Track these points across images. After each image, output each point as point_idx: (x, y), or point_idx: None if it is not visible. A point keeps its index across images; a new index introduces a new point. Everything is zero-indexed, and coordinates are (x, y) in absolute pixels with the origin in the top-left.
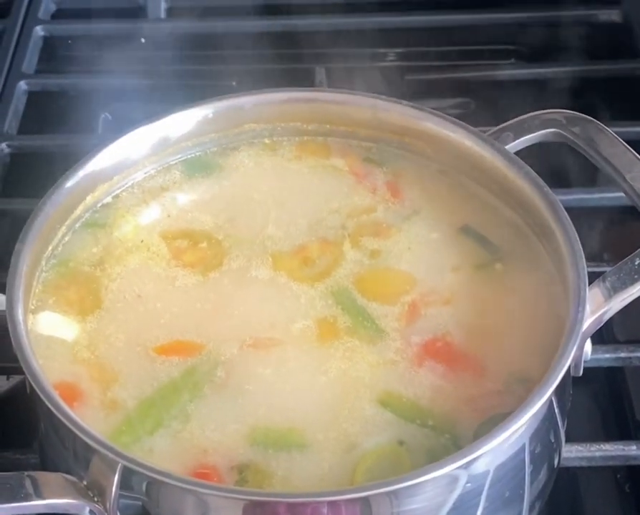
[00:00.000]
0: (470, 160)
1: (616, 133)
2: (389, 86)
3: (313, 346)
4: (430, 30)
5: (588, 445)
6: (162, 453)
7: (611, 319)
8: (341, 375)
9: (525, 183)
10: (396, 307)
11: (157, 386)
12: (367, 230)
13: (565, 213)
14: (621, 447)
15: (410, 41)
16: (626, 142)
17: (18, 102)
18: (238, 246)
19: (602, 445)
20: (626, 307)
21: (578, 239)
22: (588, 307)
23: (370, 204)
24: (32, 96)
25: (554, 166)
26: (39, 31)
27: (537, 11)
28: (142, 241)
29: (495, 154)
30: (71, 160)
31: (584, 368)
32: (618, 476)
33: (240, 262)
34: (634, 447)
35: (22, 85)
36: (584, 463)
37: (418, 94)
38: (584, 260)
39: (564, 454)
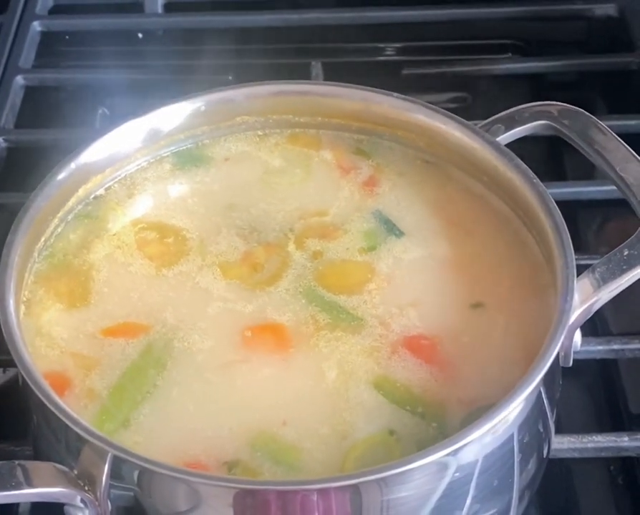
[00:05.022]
0: (461, 152)
1: (610, 127)
2: (385, 81)
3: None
4: (427, 24)
5: (580, 436)
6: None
7: (604, 312)
8: (331, 366)
9: (515, 175)
10: (363, 296)
11: (122, 372)
12: (314, 232)
13: (555, 204)
14: (613, 438)
15: (407, 35)
16: (621, 136)
17: (15, 97)
18: (204, 245)
19: (594, 437)
20: (619, 299)
21: (566, 229)
22: (577, 297)
23: (338, 199)
24: (29, 90)
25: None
26: (36, 26)
27: (533, 5)
28: (127, 234)
29: (485, 146)
30: (67, 155)
31: (578, 360)
32: (612, 468)
33: (200, 261)
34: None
35: (19, 80)
36: (576, 455)
37: (415, 88)
38: (572, 250)
39: (556, 445)
